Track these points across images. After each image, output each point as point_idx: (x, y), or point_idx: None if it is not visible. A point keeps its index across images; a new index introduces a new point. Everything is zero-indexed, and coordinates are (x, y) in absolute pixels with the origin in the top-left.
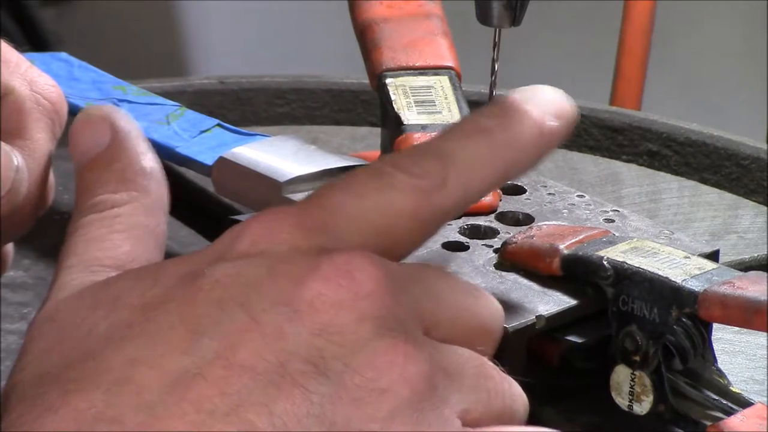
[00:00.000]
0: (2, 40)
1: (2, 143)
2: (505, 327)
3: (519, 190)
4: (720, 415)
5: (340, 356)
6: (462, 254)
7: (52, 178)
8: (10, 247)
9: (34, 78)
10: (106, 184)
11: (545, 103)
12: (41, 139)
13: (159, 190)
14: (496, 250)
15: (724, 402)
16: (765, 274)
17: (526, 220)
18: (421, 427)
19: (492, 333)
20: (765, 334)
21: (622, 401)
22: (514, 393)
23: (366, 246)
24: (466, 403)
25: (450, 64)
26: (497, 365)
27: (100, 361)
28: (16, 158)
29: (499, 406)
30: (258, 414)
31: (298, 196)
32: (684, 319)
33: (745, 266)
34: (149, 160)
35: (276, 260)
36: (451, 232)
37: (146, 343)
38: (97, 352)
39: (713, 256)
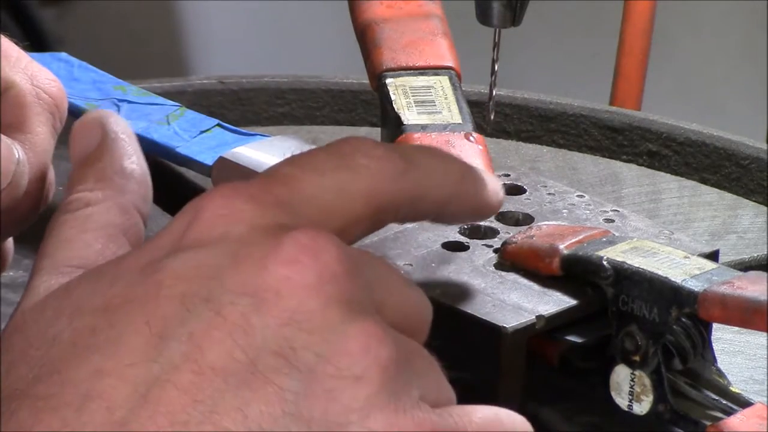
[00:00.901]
0: (3, 36)
1: (3, 136)
2: (504, 327)
3: (519, 190)
4: (720, 415)
5: (310, 345)
6: (462, 254)
7: (52, 173)
8: (10, 244)
9: (35, 72)
10: (85, 181)
11: (489, 177)
12: (42, 133)
13: (138, 191)
14: (496, 250)
15: (724, 402)
16: (765, 274)
17: (526, 220)
18: (398, 413)
19: (426, 322)
20: (765, 334)
21: (622, 401)
22: (448, 384)
23: (321, 225)
24: (422, 388)
25: (450, 64)
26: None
27: (67, 373)
28: (17, 151)
29: (446, 394)
30: (233, 420)
31: None
32: (684, 319)
33: (745, 266)
34: (132, 162)
35: (236, 244)
36: (451, 232)
37: (112, 351)
38: (63, 364)
39: (713, 256)
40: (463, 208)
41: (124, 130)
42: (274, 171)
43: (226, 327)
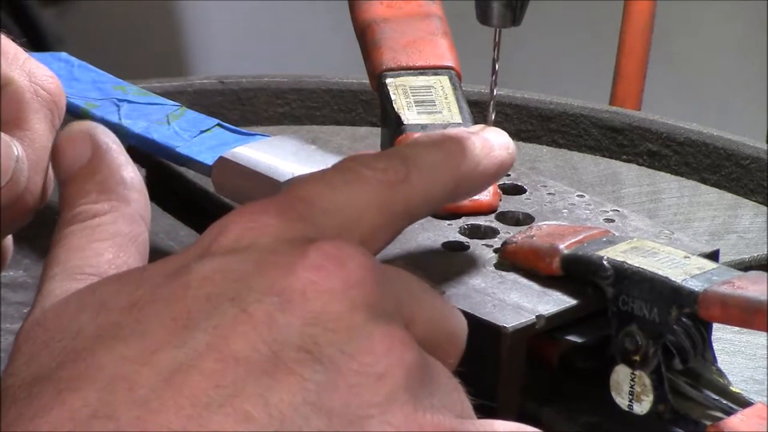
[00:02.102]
0: (0, 33)
1: (2, 134)
2: (505, 327)
3: (519, 190)
4: (720, 414)
5: (335, 342)
6: (462, 254)
7: (51, 170)
8: (9, 242)
9: (32, 69)
10: (87, 194)
11: (492, 134)
12: (41, 129)
13: (140, 199)
14: (496, 250)
15: (724, 402)
16: (765, 274)
17: (526, 220)
18: (417, 412)
19: (460, 343)
20: (765, 334)
21: (622, 401)
22: (470, 407)
23: (344, 238)
24: (444, 401)
25: (450, 64)
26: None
27: (92, 360)
28: (16, 148)
29: (468, 413)
30: (254, 404)
31: None
32: (684, 319)
33: (745, 266)
34: (130, 172)
35: (263, 252)
36: (451, 232)
37: (137, 341)
38: (88, 352)
39: (713, 256)
40: (477, 183)
41: (114, 140)
42: (291, 191)
43: (251, 322)
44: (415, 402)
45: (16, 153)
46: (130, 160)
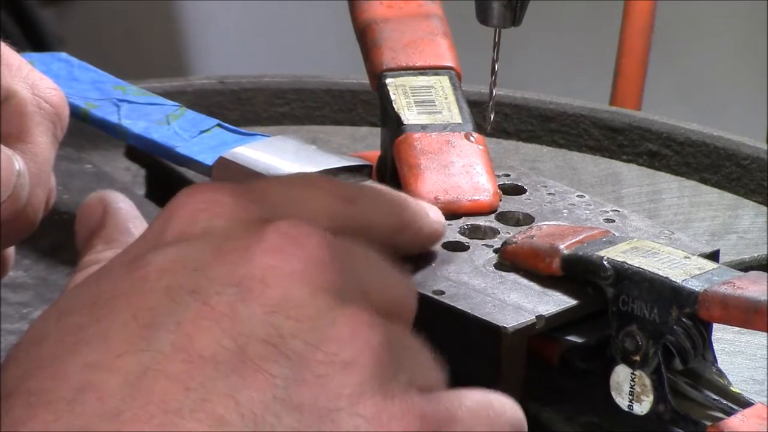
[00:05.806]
0: (4, 43)
1: (4, 147)
2: (505, 327)
3: (519, 191)
4: (720, 415)
5: (299, 333)
6: (462, 254)
7: (53, 182)
8: (11, 251)
9: (35, 81)
10: (94, 247)
11: (428, 205)
12: (43, 142)
13: None
14: (496, 250)
15: (724, 402)
16: (765, 274)
17: (526, 220)
18: (386, 399)
19: (411, 304)
20: (765, 334)
21: (622, 401)
22: (436, 366)
23: (297, 217)
24: (411, 373)
25: (450, 64)
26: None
27: (58, 368)
28: (18, 162)
29: (435, 376)
30: (225, 406)
31: None
32: (684, 319)
33: (745, 266)
34: (137, 224)
35: (219, 237)
36: (451, 232)
37: (101, 344)
38: (53, 359)
39: (713, 256)
40: (412, 236)
41: (123, 200)
42: (245, 184)
43: (213, 316)
44: (383, 389)
45: (17, 167)
46: (139, 215)
